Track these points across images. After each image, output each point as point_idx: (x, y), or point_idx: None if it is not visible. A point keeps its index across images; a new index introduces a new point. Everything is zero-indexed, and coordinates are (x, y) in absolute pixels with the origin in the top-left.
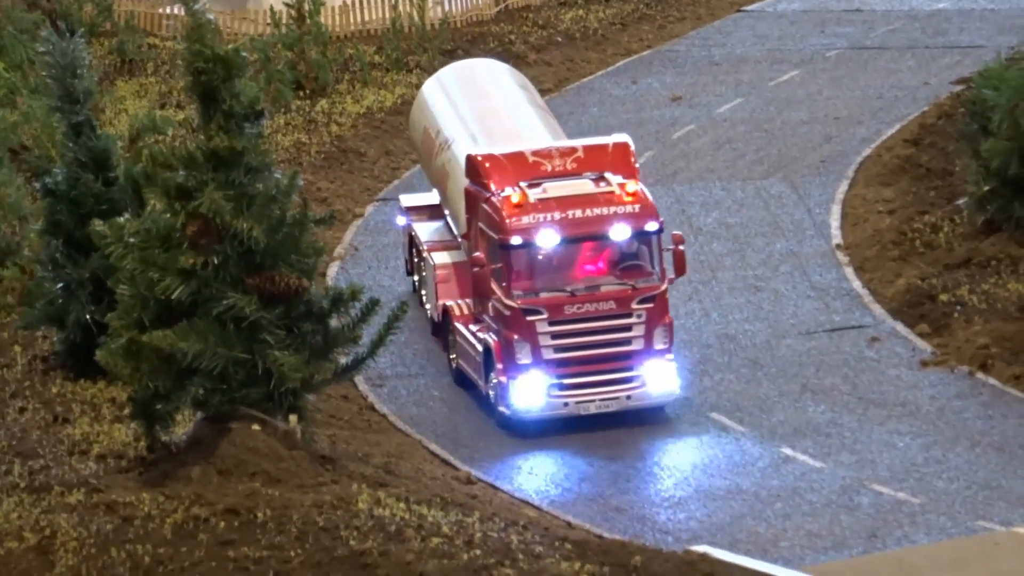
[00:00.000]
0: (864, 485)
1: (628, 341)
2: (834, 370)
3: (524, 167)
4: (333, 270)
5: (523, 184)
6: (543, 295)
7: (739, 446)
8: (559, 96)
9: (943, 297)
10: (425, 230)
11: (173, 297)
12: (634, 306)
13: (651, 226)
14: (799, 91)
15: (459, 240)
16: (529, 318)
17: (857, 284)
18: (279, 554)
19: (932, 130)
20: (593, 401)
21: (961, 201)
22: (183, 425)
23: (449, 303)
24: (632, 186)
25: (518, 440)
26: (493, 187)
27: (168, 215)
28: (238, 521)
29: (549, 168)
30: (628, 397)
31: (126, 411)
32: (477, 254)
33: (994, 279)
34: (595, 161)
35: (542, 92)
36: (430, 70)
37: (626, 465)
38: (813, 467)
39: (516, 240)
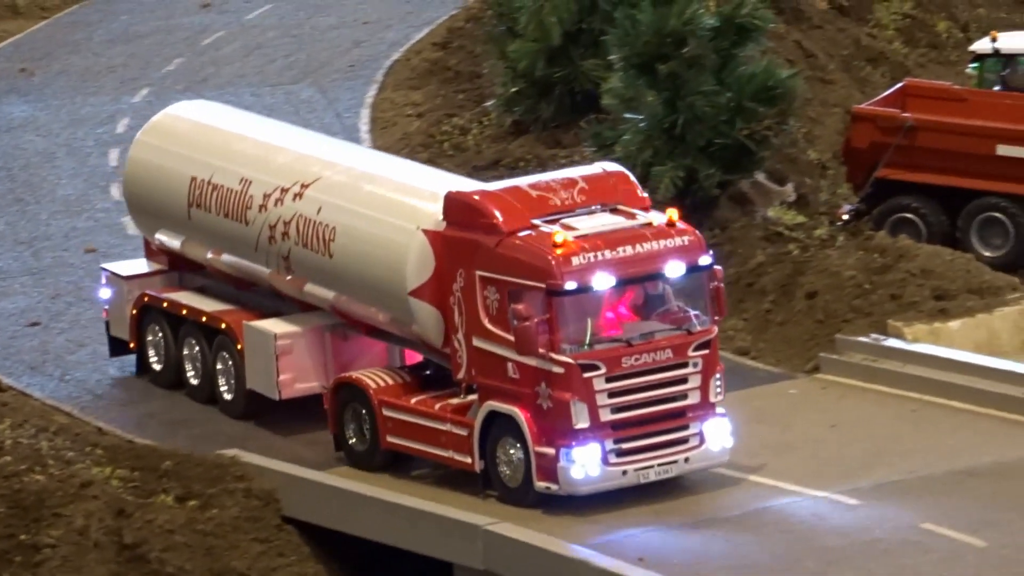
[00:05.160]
0: None
1: (684, 395)
2: None
3: (529, 202)
4: None
5: (537, 221)
6: (597, 347)
7: None
8: (89, 6)
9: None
10: (198, 300)
11: None
12: (690, 354)
13: (704, 260)
14: None
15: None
16: (586, 375)
17: None
18: None
19: (460, 33)
20: (652, 467)
21: (489, 103)
22: None
23: (359, 375)
24: (673, 216)
25: (52, 346)
26: (502, 228)
27: None
28: None
29: (558, 202)
30: (686, 460)
31: None
32: (518, 305)
33: None
34: (601, 191)
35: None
36: None
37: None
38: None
39: (571, 285)
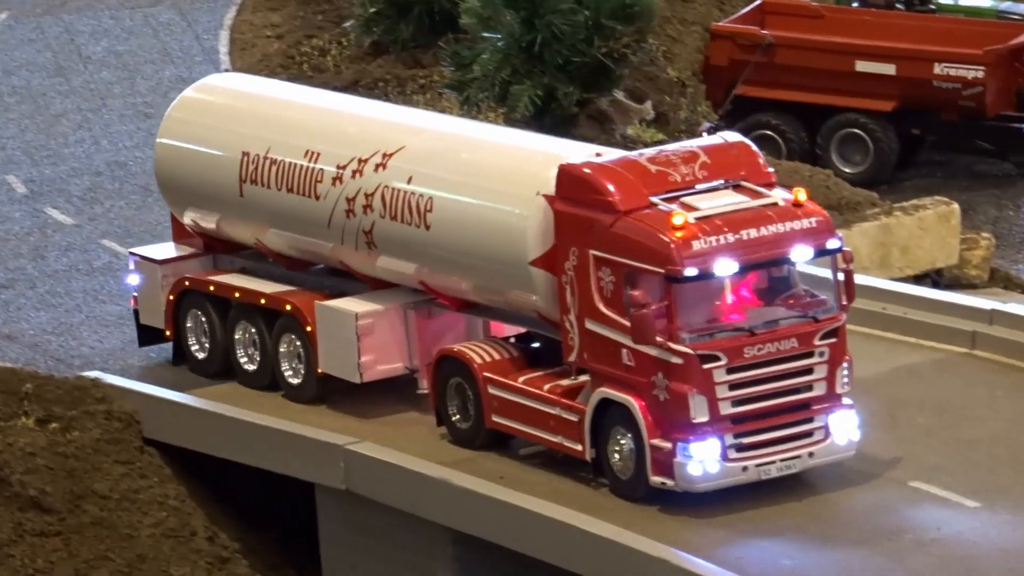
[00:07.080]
0: None
1: (810, 386)
2: None
3: (647, 178)
4: None
5: (655, 199)
6: (718, 336)
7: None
8: None
9: None
10: (249, 282)
11: None
12: (816, 343)
13: (832, 243)
14: None
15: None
16: (706, 366)
17: None
18: None
19: None
20: (774, 462)
21: (348, 24)
22: None
23: (462, 348)
24: (800, 195)
25: None
26: (619, 206)
27: None
28: None
29: (678, 178)
30: (811, 454)
31: None
32: (635, 291)
33: (382, 98)
34: (723, 165)
35: None
36: None
37: (16, 294)
38: None
39: (691, 271)
